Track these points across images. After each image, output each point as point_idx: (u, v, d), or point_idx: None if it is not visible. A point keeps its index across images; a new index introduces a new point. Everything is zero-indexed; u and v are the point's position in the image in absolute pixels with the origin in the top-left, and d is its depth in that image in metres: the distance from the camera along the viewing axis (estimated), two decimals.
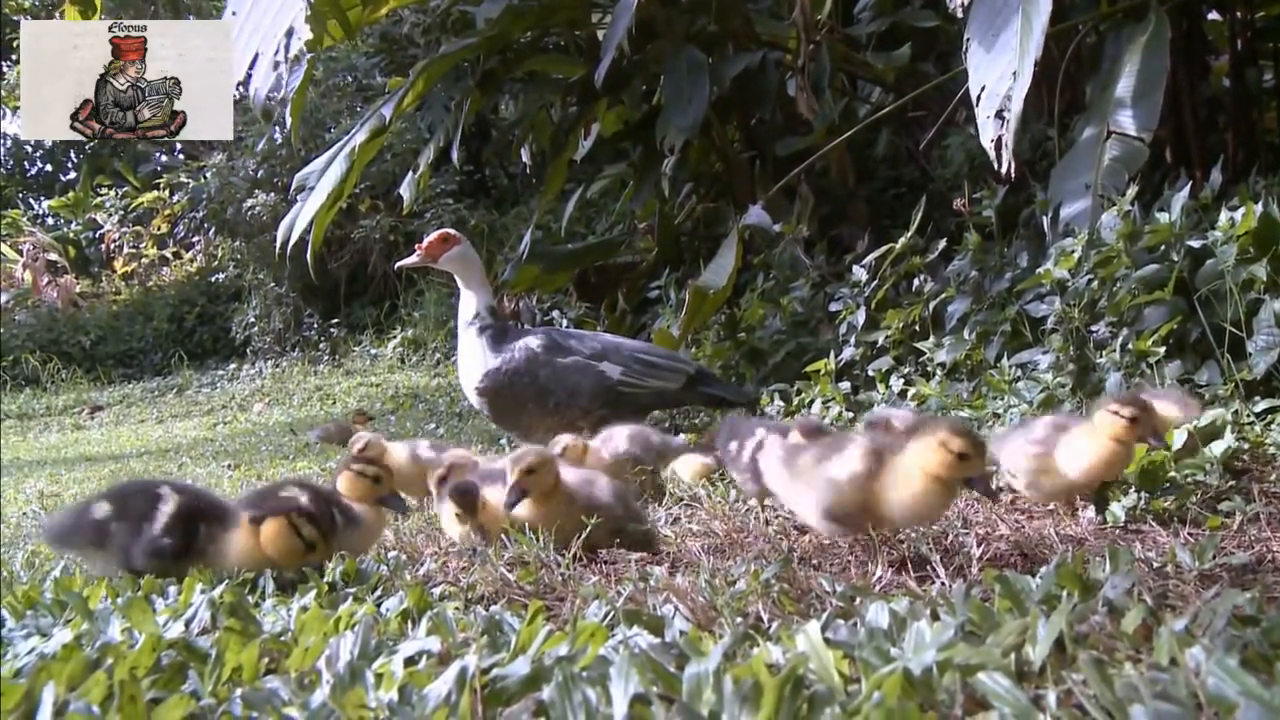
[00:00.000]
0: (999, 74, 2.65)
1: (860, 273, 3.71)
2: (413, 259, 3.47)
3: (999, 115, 2.61)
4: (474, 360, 3.40)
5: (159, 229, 13.14)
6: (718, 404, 3.65)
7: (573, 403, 3.31)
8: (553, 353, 3.36)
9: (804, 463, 1.68)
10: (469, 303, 3.44)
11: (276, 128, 9.76)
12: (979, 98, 2.69)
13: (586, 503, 1.81)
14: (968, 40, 2.82)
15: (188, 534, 1.68)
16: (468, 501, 1.87)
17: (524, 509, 1.80)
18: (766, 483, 1.86)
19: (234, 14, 4.27)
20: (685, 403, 3.64)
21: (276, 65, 4.06)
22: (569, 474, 1.90)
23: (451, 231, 3.47)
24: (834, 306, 3.88)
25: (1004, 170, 2.61)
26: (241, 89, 4.36)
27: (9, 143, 16.66)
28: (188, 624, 1.35)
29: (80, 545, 1.75)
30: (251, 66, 4.15)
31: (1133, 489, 1.90)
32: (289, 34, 3.91)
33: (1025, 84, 2.56)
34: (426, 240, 3.44)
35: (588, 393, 3.31)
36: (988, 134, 2.64)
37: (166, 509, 1.69)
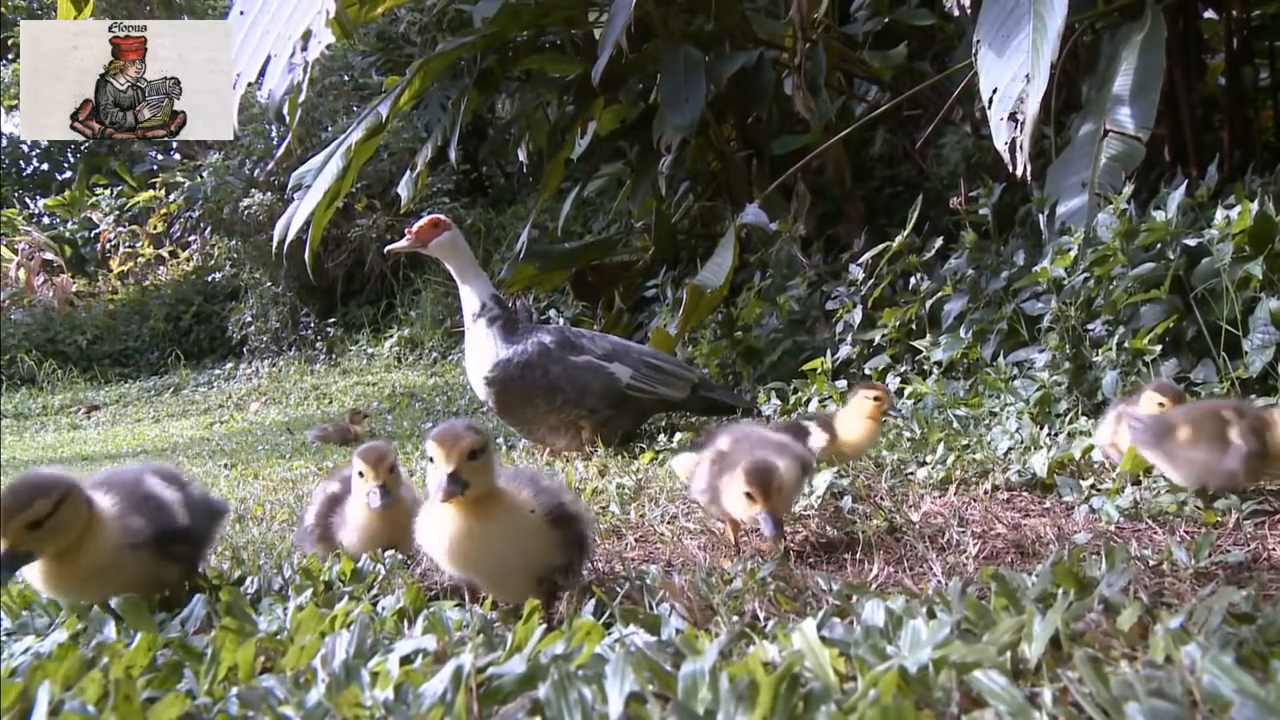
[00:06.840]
0: (1011, 76, 2.63)
1: (857, 271, 3.71)
2: (402, 243, 3.45)
3: (1013, 118, 2.60)
4: (484, 350, 3.37)
5: (155, 228, 13.13)
6: (717, 410, 3.66)
7: (580, 401, 3.30)
8: (565, 349, 3.35)
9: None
10: (470, 296, 3.42)
11: (272, 127, 9.75)
12: (991, 100, 2.67)
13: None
14: (977, 42, 2.80)
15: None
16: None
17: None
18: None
19: (241, 13, 4.22)
20: (686, 408, 3.65)
21: (292, 68, 4.00)
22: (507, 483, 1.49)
23: (441, 217, 3.45)
24: (831, 305, 3.89)
25: (1020, 173, 2.59)
26: (255, 90, 4.31)
27: (5, 142, 16.63)
28: (183, 623, 1.35)
29: None
30: (264, 68, 4.09)
31: (1129, 486, 1.90)
32: (306, 37, 3.85)
33: (1041, 86, 2.53)
34: (417, 224, 3.43)
35: (596, 393, 3.30)
36: (1001, 137, 2.62)
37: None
